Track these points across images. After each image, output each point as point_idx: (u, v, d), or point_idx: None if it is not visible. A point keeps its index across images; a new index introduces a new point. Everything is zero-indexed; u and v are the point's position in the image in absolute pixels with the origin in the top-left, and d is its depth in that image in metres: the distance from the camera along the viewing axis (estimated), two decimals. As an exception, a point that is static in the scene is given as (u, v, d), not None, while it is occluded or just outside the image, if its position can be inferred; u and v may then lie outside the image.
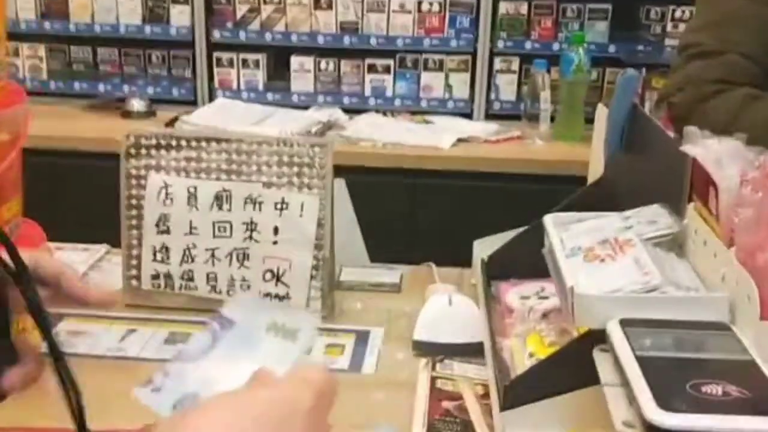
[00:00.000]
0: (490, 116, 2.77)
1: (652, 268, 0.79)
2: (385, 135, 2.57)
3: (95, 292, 0.71)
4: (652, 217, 0.92)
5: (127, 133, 1.36)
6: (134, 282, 1.39)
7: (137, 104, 2.73)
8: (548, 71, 2.58)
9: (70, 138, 2.53)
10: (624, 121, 1.13)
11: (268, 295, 1.37)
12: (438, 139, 2.53)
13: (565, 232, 0.95)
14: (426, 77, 2.77)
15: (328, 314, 1.40)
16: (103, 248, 1.59)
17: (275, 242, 1.35)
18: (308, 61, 2.79)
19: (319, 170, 1.35)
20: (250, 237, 1.35)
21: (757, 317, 0.75)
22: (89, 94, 2.87)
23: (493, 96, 2.77)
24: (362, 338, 1.34)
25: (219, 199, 1.34)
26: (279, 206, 1.35)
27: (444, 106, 2.79)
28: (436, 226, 2.51)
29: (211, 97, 2.83)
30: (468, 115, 2.78)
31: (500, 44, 2.71)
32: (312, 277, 1.37)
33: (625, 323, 0.75)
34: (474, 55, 2.74)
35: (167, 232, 1.36)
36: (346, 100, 2.81)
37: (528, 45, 2.70)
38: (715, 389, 0.64)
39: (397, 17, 2.71)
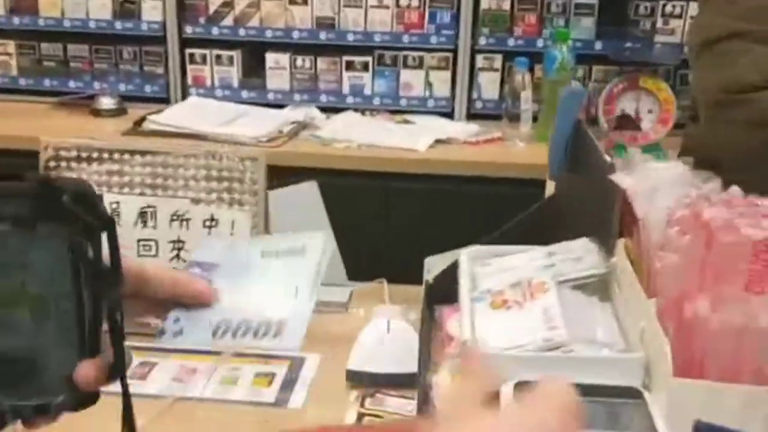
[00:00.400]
0: (472, 116, 2.66)
1: (559, 321, 0.69)
2: (361, 136, 2.47)
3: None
4: (579, 254, 0.82)
5: (45, 144, 1.27)
6: (56, 303, 1.30)
7: (106, 102, 2.65)
8: (531, 69, 2.47)
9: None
10: (567, 138, 1.03)
11: (197, 318, 1.28)
12: (415, 140, 2.43)
13: (483, 268, 0.86)
14: (405, 75, 2.67)
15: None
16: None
17: (204, 262, 1.26)
18: (284, 58, 2.69)
19: (250, 185, 1.26)
20: (178, 256, 1.26)
21: (671, 381, 0.65)
22: (60, 91, 2.79)
23: (475, 95, 2.66)
24: (296, 366, 1.25)
25: (144, 216, 1.25)
26: (208, 223, 1.26)
27: (424, 105, 2.68)
28: (411, 232, 2.41)
29: (185, 95, 2.73)
30: (449, 115, 2.67)
31: (482, 41, 2.60)
32: (245, 299, 1.28)
33: (521, 387, 0.65)
34: (455, 52, 2.63)
35: (89, 250, 1.27)
36: (323, 98, 2.71)
37: (511, 42, 2.59)
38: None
39: (374, 13, 2.60)
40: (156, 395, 1.17)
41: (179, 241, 1.26)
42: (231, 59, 2.71)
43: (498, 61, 2.62)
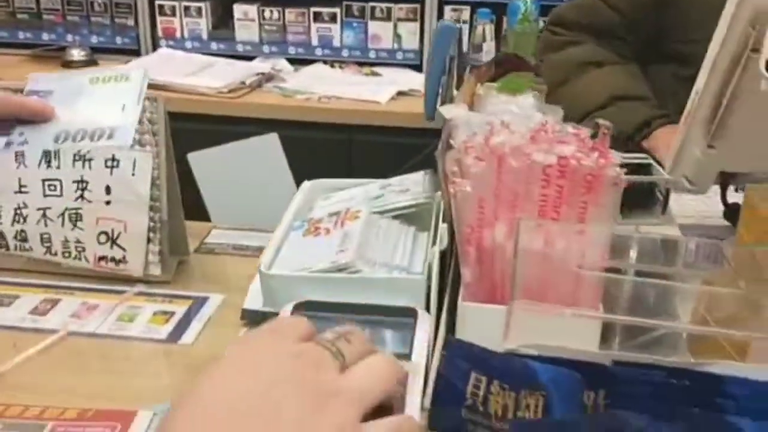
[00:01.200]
0: (440, 68, 2.65)
1: (351, 245, 0.70)
2: (325, 88, 2.47)
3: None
4: (407, 186, 0.83)
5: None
6: (-32, 242, 1.33)
7: (77, 54, 2.67)
8: (494, 21, 2.45)
9: None
10: (438, 76, 1.03)
11: (103, 258, 1.30)
12: (377, 93, 2.43)
13: (324, 201, 0.87)
14: (374, 27, 2.66)
15: (169, 279, 1.33)
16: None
17: (108, 202, 1.27)
18: (252, 10, 2.68)
19: (150, 126, 1.26)
20: (82, 196, 1.28)
21: (461, 305, 0.66)
22: (34, 44, 2.81)
23: (443, 47, 2.64)
24: (197, 305, 1.27)
25: (47, 156, 1.26)
26: (109, 164, 1.26)
27: (393, 57, 2.68)
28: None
29: (155, 47, 2.75)
30: (418, 67, 2.66)
31: (449, -8, 2.59)
32: (149, 239, 1.30)
33: (300, 307, 0.67)
34: (423, 3, 2.61)
35: (-4, 190, 1.29)
36: (292, 50, 2.71)
37: (478, -7, 2.58)
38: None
39: (341, -37, 2.60)
40: (51, 329, 1.19)
41: (83, 181, 1.27)
42: (200, 10, 2.71)
43: (466, 12, 2.60)
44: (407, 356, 0.60)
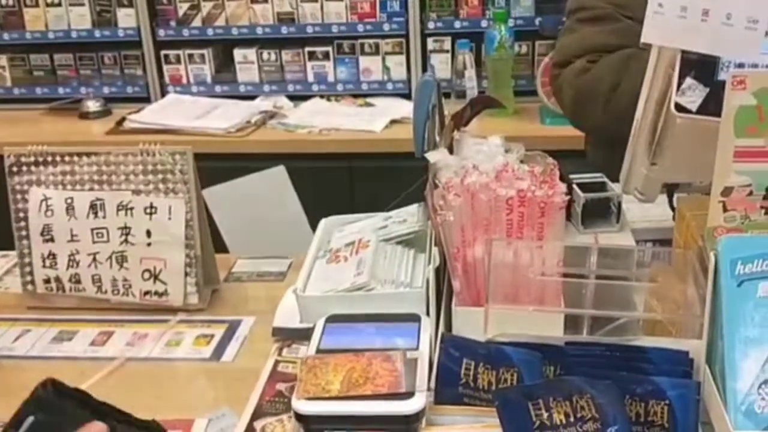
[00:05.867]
0: (428, 95, 2.86)
1: (366, 268, 0.90)
2: (324, 121, 2.68)
3: None
4: (405, 217, 1.03)
5: (8, 152, 1.49)
6: (29, 287, 1.53)
7: (92, 105, 2.88)
8: (473, 50, 2.66)
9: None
10: (423, 123, 1.23)
11: (148, 293, 1.50)
12: (372, 122, 2.64)
13: (338, 233, 1.07)
14: (364, 61, 2.87)
15: (206, 307, 1.53)
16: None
17: (149, 244, 1.48)
18: (251, 53, 2.90)
19: (181, 176, 1.47)
20: (126, 240, 1.48)
21: (455, 309, 0.86)
22: (51, 98, 3.02)
23: (430, 75, 2.85)
24: (233, 328, 1.47)
25: (94, 208, 1.47)
26: (148, 211, 1.47)
27: (384, 87, 2.89)
28: (374, 207, 2.62)
29: (163, 93, 2.96)
30: (407, 96, 2.87)
31: (431, 25, 2.79)
32: (186, 273, 1.50)
33: (331, 319, 0.87)
34: (407, 37, 2.82)
35: (52, 240, 1.50)
36: (290, 88, 2.92)
37: (457, 24, 2.78)
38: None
39: (330, 5, 2.81)
40: (110, 357, 1.39)
41: (126, 227, 1.48)
42: (203, 57, 2.92)
43: (447, 42, 2.81)
44: (415, 349, 0.81)
